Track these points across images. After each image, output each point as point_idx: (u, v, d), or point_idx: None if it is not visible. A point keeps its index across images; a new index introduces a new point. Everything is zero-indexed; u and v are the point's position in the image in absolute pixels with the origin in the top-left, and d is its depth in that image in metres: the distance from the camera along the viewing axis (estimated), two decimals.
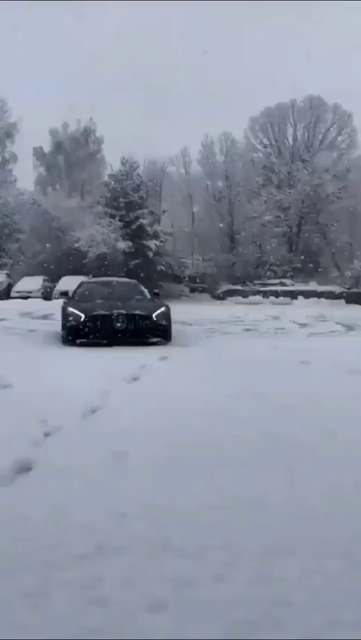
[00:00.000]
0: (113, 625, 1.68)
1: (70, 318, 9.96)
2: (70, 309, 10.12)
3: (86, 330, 9.78)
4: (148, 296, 11.73)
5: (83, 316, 9.85)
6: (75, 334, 9.80)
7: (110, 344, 9.54)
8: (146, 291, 12.07)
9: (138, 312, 10.08)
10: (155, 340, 10.10)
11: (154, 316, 10.13)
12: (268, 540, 2.22)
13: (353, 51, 56.24)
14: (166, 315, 10.26)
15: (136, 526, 2.34)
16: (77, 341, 9.68)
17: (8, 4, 36.82)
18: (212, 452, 3.27)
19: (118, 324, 9.78)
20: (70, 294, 11.79)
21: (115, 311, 9.94)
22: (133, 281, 13.66)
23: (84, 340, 9.68)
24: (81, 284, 12.34)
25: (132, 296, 11.26)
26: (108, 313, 9.93)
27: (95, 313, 9.93)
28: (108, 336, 9.75)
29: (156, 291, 13.00)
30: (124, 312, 9.95)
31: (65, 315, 10.23)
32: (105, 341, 9.66)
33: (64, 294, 11.63)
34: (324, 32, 61.58)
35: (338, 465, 3.14)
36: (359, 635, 1.74)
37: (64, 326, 10.12)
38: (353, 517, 2.46)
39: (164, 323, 10.12)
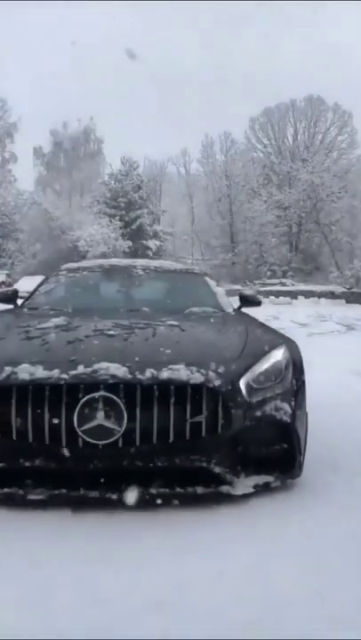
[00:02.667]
0: None
1: None
2: None
3: None
4: (230, 308, 4.13)
5: None
6: None
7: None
8: (222, 292, 4.45)
9: (183, 376, 2.46)
10: (252, 486, 2.56)
11: (242, 385, 2.58)
12: None
13: (354, 50, 56.31)
14: (295, 381, 2.81)
15: None
16: None
17: (8, 4, 36.82)
18: None
19: (110, 429, 2.37)
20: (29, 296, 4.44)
21: (103, 372, 2.44)
22: (190, 268, 5.71)
23: None
24: (52, 277, 4.71)
25: (184, 306, 3.85)
26: (66, 380, 2.42)
27: (13, 378, 2.46)
28: (74, 480, 2.46)
29: (249, 293, 4.71)
30: (136, 377, 2.44)
31: None
32: (54, 491, 2.45)
33: (5, 300, 4.39)
34: (324, 31, 61.63)
35: None
36: (359, 635, 1.74)
37: None
38: None
39: (284, 417, 2.63)
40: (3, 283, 29.34)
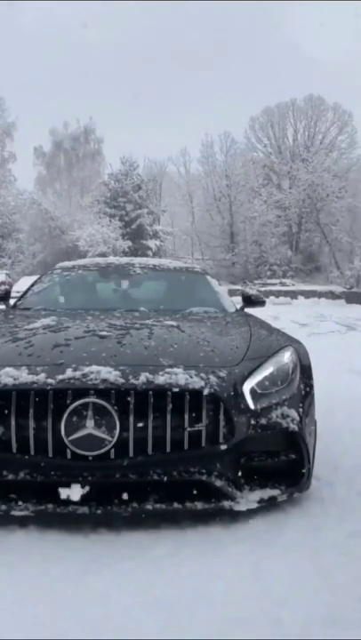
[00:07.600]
0: None
1: None
2: None
3: None
4: (232, 308, 4.00)
5: None
6: None
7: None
8: (223, 291, 4.37)
9: (181, 381, 2.29)
10: (256, 501, 2.36)
11: (245, 390, 2.41)
12: None
13: (354, 50, 56.34)
14: (303, 386, 2.63)
15: None
16: None
17: (8, 4, 36.83)
18: None
19: (101, 439, 2.22)
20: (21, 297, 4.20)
21: (94, 376, 2.27)
22: (191, 266, 5.06)
23: None
24: (46, 275, 4.49)
25: (184, 306, 3.75)
26: (52, 385, 2.24)
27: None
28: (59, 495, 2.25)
29: (253, 292, 4.42)
30: (130, 382, 2.27)
31: None
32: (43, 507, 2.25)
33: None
34: (325, 31, 61.69)
35: None
36: (359, 635, 1.73)
37: None
38: None
39: (291, 425, 2.42)
40: (2, 283, 29.32)
